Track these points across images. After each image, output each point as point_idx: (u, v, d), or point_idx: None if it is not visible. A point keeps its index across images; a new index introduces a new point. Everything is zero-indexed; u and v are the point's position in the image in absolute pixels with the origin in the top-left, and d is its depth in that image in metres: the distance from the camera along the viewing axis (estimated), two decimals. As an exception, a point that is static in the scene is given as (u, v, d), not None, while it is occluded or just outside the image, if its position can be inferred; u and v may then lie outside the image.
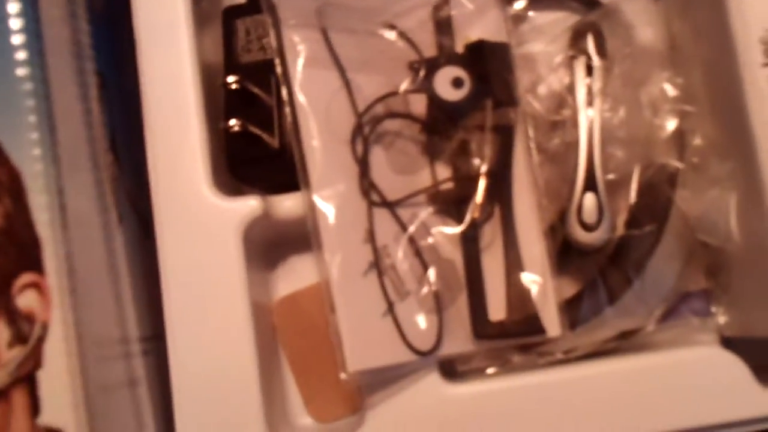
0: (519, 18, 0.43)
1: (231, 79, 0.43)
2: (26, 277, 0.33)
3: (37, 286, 0.33)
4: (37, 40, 0.34)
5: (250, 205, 0.41)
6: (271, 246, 0.44)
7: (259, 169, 0.43)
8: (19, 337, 0.33)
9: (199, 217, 0.40)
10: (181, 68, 0.41)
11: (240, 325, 0.40)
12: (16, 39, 0.34)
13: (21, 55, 0.34)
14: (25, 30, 0.34)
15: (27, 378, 0.33)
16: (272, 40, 0.40)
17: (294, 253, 0.45)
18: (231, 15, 0.45)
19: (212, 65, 0.43)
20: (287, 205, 0.42)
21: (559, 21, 0.44)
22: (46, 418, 0.34)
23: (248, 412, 0.39)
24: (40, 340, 0.33)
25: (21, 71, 0.34)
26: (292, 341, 0.44)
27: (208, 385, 0.39)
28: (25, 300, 0.33)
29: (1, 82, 0.34)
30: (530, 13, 0.44)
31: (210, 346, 0.40)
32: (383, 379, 0.40)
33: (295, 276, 0.45)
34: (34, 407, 0.33)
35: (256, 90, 0.43)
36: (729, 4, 0.36)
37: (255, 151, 0.43)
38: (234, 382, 0.40)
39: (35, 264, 0.33)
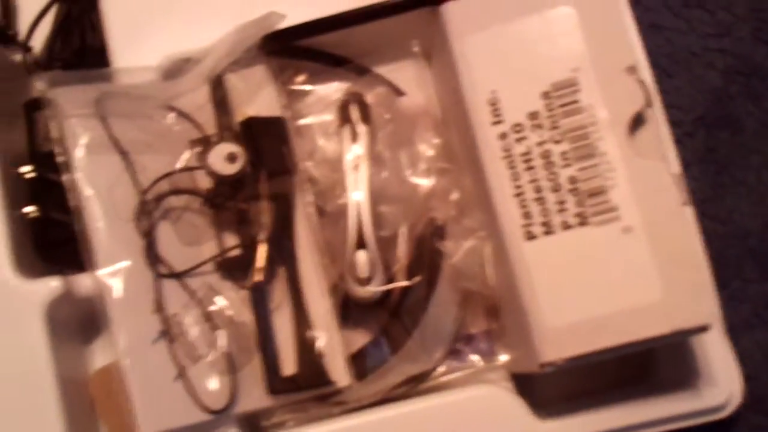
0: (300, 92, 0.47)
1: (24, 168, 0.45)
2: None
3: None
4: None
5: (50, 285, 0.43)
6: (84, 321, 0.46)
7: (65, 250, 0.45)
8: None
9: (3, 298, 0.43)
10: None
11: (47, 399, 0.42)
12: None
13: None
14: None
15: None
16: (52, 131, 0.43)
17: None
18: (31, 108, 0.48)
19: (13, 156, 0.46)
20: (87, 283, 0.45)
21: (336, 91, 0.47)
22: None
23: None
24: None
25: None
26: (106, 412, 0.46)
27: None
28: None
29: None
30: (311, 87, 0.47)
31: (18, 421, 0.41)
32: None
33: (112, 348, 0.47)
34: None
35: (53, 177, 0.45)
36: (460, 70, 0.40)
37: (58, 234, 0.45)
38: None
39: None
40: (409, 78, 0.48)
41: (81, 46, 0.50)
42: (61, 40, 0.50)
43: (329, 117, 0.46)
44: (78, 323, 0.45)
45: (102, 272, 0.42)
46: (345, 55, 0.47)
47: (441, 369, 0.45)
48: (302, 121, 0.46)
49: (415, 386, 0.44)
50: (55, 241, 0.46)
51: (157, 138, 0.44)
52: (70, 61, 0.49)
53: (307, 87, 0.47)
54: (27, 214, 0.45)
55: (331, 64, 0.47)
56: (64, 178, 0.42)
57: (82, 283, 0.44)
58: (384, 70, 0.48)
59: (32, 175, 0.46)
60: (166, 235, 0.43)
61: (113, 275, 0.42)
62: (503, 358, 0.45)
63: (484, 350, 0.45)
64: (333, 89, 0.47)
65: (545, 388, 0.44)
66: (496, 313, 0.45)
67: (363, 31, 0.45)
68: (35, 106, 0.48)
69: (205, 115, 0.45)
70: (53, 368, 0.43)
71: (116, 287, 0.42)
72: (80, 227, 0.42)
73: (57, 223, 0.46)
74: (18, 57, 0.49)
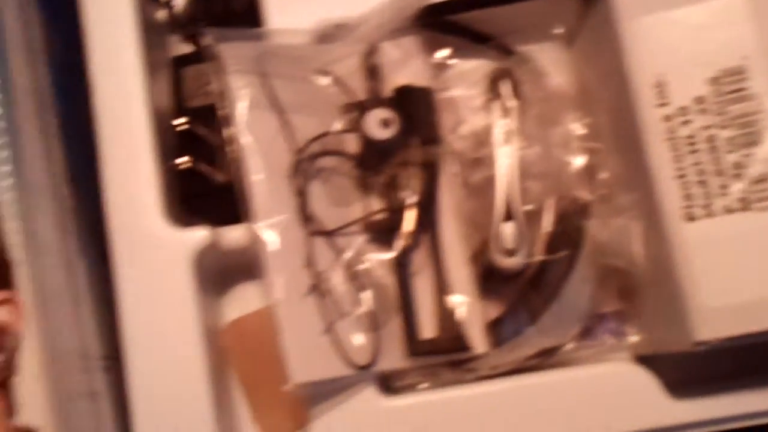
0: (443, 65, 0.48)
1: (179, 120, 0.47)
2: (0, 294, 0.37)
3: (10, 302, 0.37)
4: (5, 85, 0.38)
5: (199, 235, 0.44)
6: (220, 274, 0.47)
7: (208, 203, 0.47)
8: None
9: (153, 246, 0.44)
10: (134, 111, 0.45)
11: (192, 347, 0.43)
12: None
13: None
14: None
15: (3, 384, 0.36)
16: (216, 85, 0.44)
17: (241, 280, 0.48)
18: (178, 63, 0.49)
19: (162, 109, 0.47)
20: (234, 235, 0.46)
21: (479, 67, 0.48)
22: (22, 418, 0.37)
23: (200, 428, 0.42)
24: (14, 350, 0.36)
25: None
26: (241, 362, 0.47)
27: (164, 402, 0.42)
28: (0, 314, 0.37)
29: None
30: (453, 61, 0.48)
31: (164, 367, 0.43)
32: (326, 394, 0.44)
33: (243, 302, 0.48)
34: (10, 410, 0.36)
35: (202, 131, 0.47)
36: (626, 54, 0.41)
37: (203, 187, 0.47)
38: (187, 400, 0.43)
39: (6, 283, 0.37)
40: (549, 60, 0.49)
41: (224, 8, 0.50)
42: (204, 2, 0.51)
43: (472, 92, 0.47)
44: (217, 275, 0.46)
45: (259, 224, 0.42)
46: (489, 33, 0.48)
47: (570, 345, 0.46)
48: (446, 94, 0.47)
49: (546, 359, 0.45)
50: (200, 194, 0.47)
51: (310, 100, 0.45)
52: (212, 24, 0.50)
53: (450, 61, 0.48)
54: (178, 165, 0.46)
55: (477, 40, 0.48)
56: (225, 131, 0.43)
57: (227, 235, 0.45)
58: (523, 51, 0.49)
59: (184, 127, 0.46)
60: (316, 195, 0.44)
61: (269, 228, 0.43)
62: (633, 338, 0.45)
63: (613, 330, 0.46)
64: (474, 65, 0.48)
65: (673, 371, 0.45)
66: (631, 293, 0.46)
67: (511, 11, 0.46)
68: (182, 62, 0.49)
69: (355, 81, 0.46)
70: (198, 316, 0.43)
71: (272, 240, 0.43)
72: (240, 179, 0.43)
73: (202, 177, 0.47)
74: (161, 15, 0.50)
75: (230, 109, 0.43)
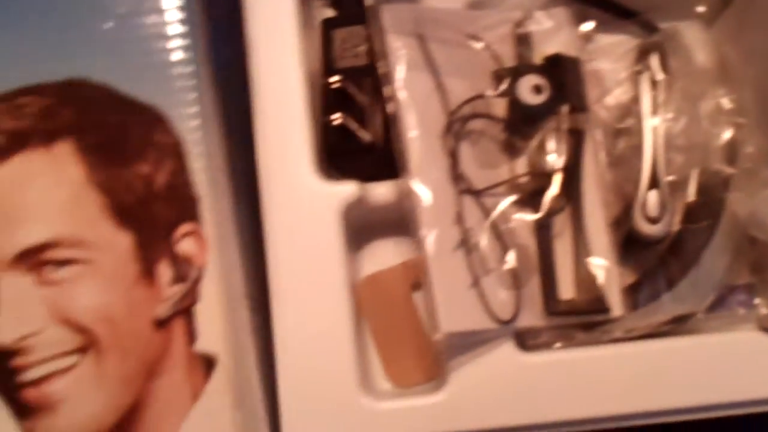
0: (588, 38, 0.49)
1: (333, 78, 0.49)
2: (186, 227, 0.39)
3: (195, 235, 0.39)
4: (192, 38, 0.40)
5: (348, 189, 0.46)
6: (359, 230, 0.49)
7: (354, 161, 0.48)
8: (179, 277, 0.39)
9: (303, 198, 0.45)
10: (289, 68, 0.47)
11: (336, 296, 0.45)
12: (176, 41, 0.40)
13: (179, 54, 0.40)
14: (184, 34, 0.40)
15: (186, 311, 0.39)
16: (377, 44, 0.46)
17: (377, 238, 0.50)
18: (328, 26, 0.51)
19: (313, 69, 0.49)
20: (379, 191, 0.48)
21: (623, 42, 0.50)
22: (201, 345, 0.39)
23: (343, 373, 0.44)
24: (197, 280, 0.39)
25: (179, 57, 0.40)
26: (374, 315, 0.49)
27: (306, 347, 0.44)
28: (185, 246, 0.39)
29: (166, 69, 0.40)
30: (598, 35, 0.49)
31: (308, 313, 0.45)
32: (463, 347, 0.45)
33: (377, 258, 0.50)
34: (191, 336, 0.39)
35: (353, 90, 0.49)
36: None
37: (351, 145, 0.48)
38: (329, 347, 0.44)
39: (194, 216, 0.39)
40: (688, 38, 0.50)
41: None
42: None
43: (617, 65, 0.48)
44: (357, 231, 0.48)
45: (414, 180, 0.44)
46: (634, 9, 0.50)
47: (702, 313, 0.47)
48: (591, 66, 0.48)
49: (679, 325, 0.46)
50: (347, 152, 0.49)
51: (463, 64, 0.47)
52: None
53: (595, 35, 0.49)
54: (331, 121, 0.48)
55: (622, 15, 0.49)
56: (378, 90, 0.45)
57: (374, 191, 0.47)
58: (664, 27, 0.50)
59: (337, 85, 0.48)
60: (466, 155, 0.46)
61: (424, 184, 0.44)
62: (763, 311, 0.47)
63: (743, 301, 0.48)
64: (618, 40, 0.49)
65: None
66: (761, 266, 0.47)
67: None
68: (332, 25, 0.51)
69: (505, 48, 0.48)
70: (343, 268, 0.45)
71: (425, 196, 0.44)
72: (397, 136, 0.45)
73: (350, 135, 0.49)
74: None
75: (389, 68, 0.45)
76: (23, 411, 0.38)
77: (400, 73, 0.45)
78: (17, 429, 0.38)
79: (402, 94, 0.45)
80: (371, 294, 0.49)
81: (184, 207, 0.39)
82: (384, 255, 0.50)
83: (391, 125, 0.45)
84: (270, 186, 0.45)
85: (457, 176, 0.45)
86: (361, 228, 0.49)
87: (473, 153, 0.46)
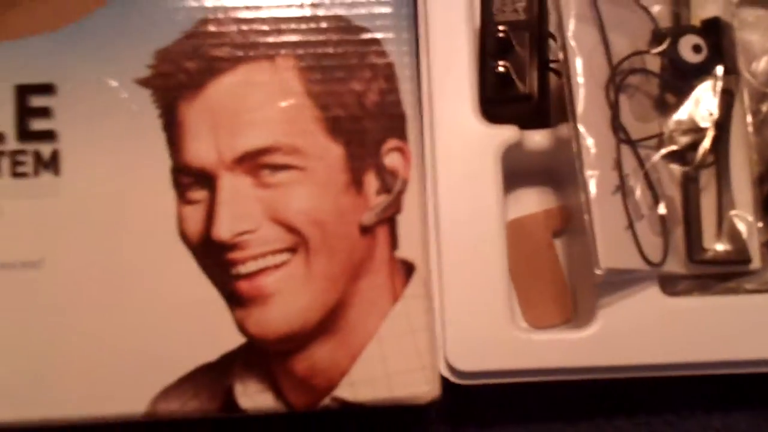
0: (739, 5, 0.52)
1: (500, 27, 0.52)
2: (393, 143, 0.42)
3: (400, 150, 0.42)
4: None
5: (509, 132, 0.49)
6: (505, 176, 0.52)
7: (509, 110, 0.51)
8: (384, 188, 0.42)
9: (466, 138, 0.48)
10: (458, 16, 0.50)
11: (493, 233, 0.47)
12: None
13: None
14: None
15: (389, 220, 0.42)
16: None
17: (522, 185, 0.53)
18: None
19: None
20: (536, 138, 0.50)
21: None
22: (402, 252, 0.42)
23: (497, 306, 0.47)
24: (401, 192, 0.42)
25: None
26: (515, 257, 0.52)
27: (466, 278, 0.46)
28: (391, 160, 0.42)
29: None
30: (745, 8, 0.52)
31: (468, 247, 0.47)
32: (613, 286, 0.48)
33: (520, 205, 0.53)
34: (393, 243, 0.42)
35: (517, 41, 0.52)
36: None
37: (508, 93, 0.51)
38: (486, 281, 0.47)
39: (400, 133, 0.42)
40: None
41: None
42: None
43: (762, 37, 0.51)
44: (506, 176, 0.51)
45: (580, 124, 0.47)
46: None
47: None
48: (741, 34, 0.51)
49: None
50: (502, 99, 0.52)
51: (624, 21, 0.50)
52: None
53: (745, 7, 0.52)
54: (495, 68, 0.51)
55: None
56: (560, 40, 0.48)
57: (531, 137, 0.50)
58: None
59: (503, 35, 0.51)
60: (624, 107, 0.49)
61: (588, 129, 0.47)
62: None
63: None
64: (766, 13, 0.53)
65: None
66: None
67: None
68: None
69: (660, 9, 0.51)
70: (500, 207, 0.48)
71: (589, 140, 0.47)
72: (566, 82, 0.48)
73: (506, 84, 0.52)
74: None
75: (560, 19, 0.48)
76: (236, 301, 0.41)
77: (571, 24, 0.48)
78: (230, 317, 0.41)
79: (572, 43, 0.48)
80: (514, 237, 0.52)
81: (392, 124, 0.42)
82: (527, 202, 0.52)
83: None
84: (434, 123, 0.47)
85: (616, 126, 0.48)
86: (509, 174, 0.52)
87: (630, 106, 0.49)
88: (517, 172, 0.52)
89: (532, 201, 0.53)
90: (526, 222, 0.53)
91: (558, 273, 0.52)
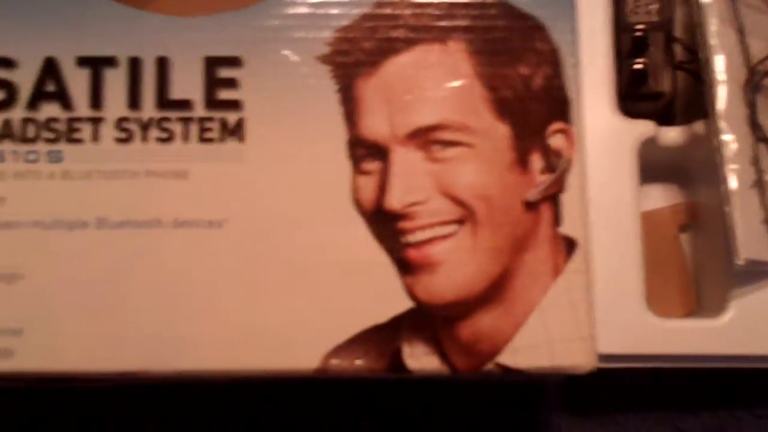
0: None
1: (639, 26, 0.54)
2: (557, 125, 0.45)
3: (564, 132, 0.44)
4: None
5: (646, 127, 0.51)
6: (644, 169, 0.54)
7: (643, 106, 0.54)
8: (549, 168, 0.44)
9: (604, 131, 0.50)
10: (601, 16, 0.52)
11: (629, 225, 0.49)
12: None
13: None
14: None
15: (552, 198, 0.44)
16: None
17: (650, 180, 0.55)
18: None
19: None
20: (670, 135, 0.52)
21: None
22: (564, 228, 0.44)
23: (632, 293, 0.49)
24: (564, 172, 0.44)
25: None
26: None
27: (603, 266, 0.48)
28: (555, 141, 0.44)
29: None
30: None
31: (603, 237, 0.49)
32: (746, 277, 0.50)
33: (647, 199, 0.55)
34: (556, 219, 0.44)
35: (652, 41, 0.54)
36: None
37: (643, 90, 0.54)
38: (622, 268, 0.49)
39: (564, 116, 0.44)
40: None
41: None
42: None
43: None
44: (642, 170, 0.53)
45: (721, 120, 0.49)
46: None
47: None
48: None
49: None
50: (639, 95, 0.54)
51: (759, 25, 0.52)
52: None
53: None
54: (633, 64, 0.53)
55: None
56: (700, 39, 0.50)
57: (666, 134, 0.52)
58: None
59: (639, 34, 0.54)
60: (760, 107, 0.51)
61: (728, 125, 0.49)
62: None
63: None
64: None
65: None
66: None
67: None
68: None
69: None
70: (635, 200, 0.49)
71: (729, 137, 0.49)
72: (706, 81, 0.50)
73: (642, 81, 0.54)
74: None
75: (701, 19, 0.50)
76: (406, 268, 0.43)
77: (712, 25, 0.50)
78: (400, 282, 0.43)
79: (714, 42, 0.50)
80: (642, 230, 0.54)
81: (556, 107, 0.44)
82: (653, 196, 0.54)
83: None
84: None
85: (754, 124, 0.50)
86: (646, 167, 0.54)
87: (765, 106, 0.51)
88: (645, 167, 0.54)
89: (658, 196, 0.54)
90: (654, 216, 0.54)
91: (684, 266, 0.54)
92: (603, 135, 0.50)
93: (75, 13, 0.45)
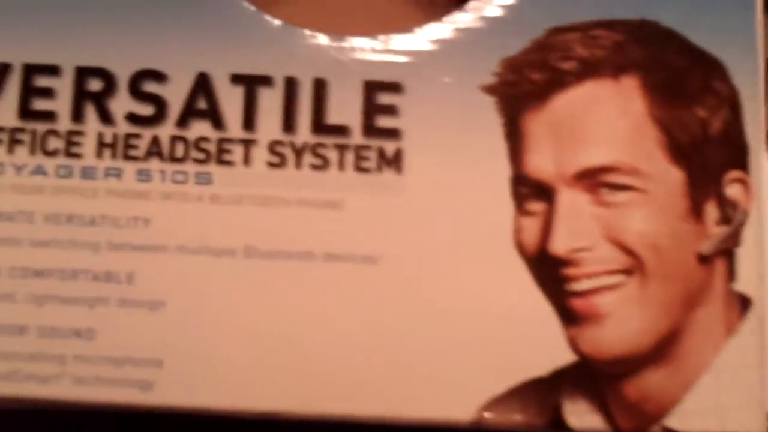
0: None
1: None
2: (735, 173, 0.42)
3: (742, 182, 0.42)
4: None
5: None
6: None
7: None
8: (724, 219, 0.41)
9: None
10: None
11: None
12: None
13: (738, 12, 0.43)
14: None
15: (727, 252, 0.41)
16: None
17: None
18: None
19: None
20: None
21: None
22: (739, 285, 0.41)
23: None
24: (741, 225, 0.41)
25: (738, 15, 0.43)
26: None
27: None
28: (733, 191, 0.42)
29: (724, 22, 0.42)
30: None
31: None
32: None
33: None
34: (730, 275, 0.41)
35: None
36: None
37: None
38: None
39: (742, 164, 0.41)
40: None
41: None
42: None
43: None
44: None
45: None
46: None
47: None
48: None
49: None
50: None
51: None
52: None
53: None
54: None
55: None
56: None
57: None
58: None
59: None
60: None
61: None
62: None
63: None
64: None
65: None
66: None
67: None
68: None
69: None
70: None
71: None
72: None
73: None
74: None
75: None
76: (570, 318, 0.40)
77: None
78: (562, 333, 0.40)
79: None
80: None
81: (734, 154, 0.42)
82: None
83: None
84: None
85: None
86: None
87: None
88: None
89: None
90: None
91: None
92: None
93: (230, 29, 0.42)
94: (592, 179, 0.42)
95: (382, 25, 0.45)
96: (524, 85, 0.43)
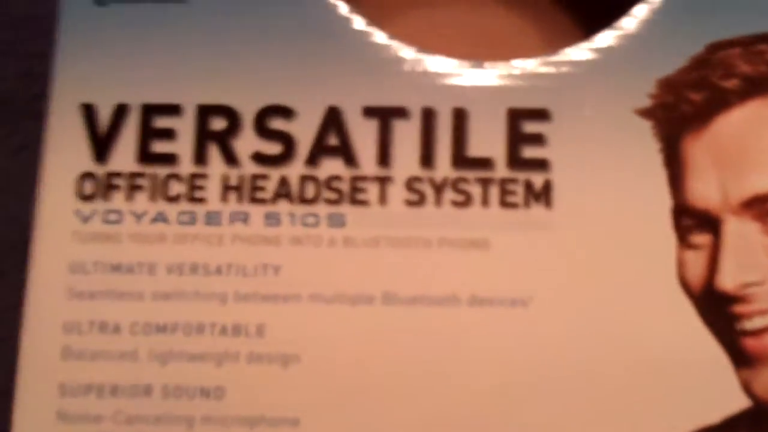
0: None
1: None
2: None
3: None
4: None
5: None
6: None
7: None
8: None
9: None
10: None
11: None
12: None
13: None
14: None
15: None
16: None
17: None
18: None
19: None
20: None
21: None
22: None
23: None
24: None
25: None
26: None
27: None
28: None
29: None
30: None
31: None
32: None
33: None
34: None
35: None
36: None
37: None
38: None
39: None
40: None
41: None
42: None
43: None
44: None
45: None
46: None
47: None
48: None
49: None
50: None
51: None
52: None
53: None
54: None
55: None
56: None
57: None
58: None
59: None
60: None
61: None
62: None
63: None
64: None
65: None
66: None
67: None
68: None
69: None
70: None
71: None
72: None
73: None
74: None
75: None
76: (742, 360, 0.37)
77: None
78: (734, 376, 0.37)
79: None
80: None
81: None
82: None
83: None
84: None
85: None
86: None
87: None
88: None
89: None
90: None
91: None
92: None
93: (360, 58, 0.39)
94: (762, 207, 0.38)
95: (498, 47, 0.42)
96: (683, 106, 0.39)
